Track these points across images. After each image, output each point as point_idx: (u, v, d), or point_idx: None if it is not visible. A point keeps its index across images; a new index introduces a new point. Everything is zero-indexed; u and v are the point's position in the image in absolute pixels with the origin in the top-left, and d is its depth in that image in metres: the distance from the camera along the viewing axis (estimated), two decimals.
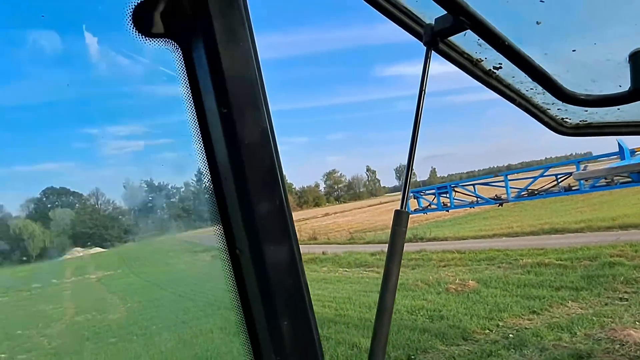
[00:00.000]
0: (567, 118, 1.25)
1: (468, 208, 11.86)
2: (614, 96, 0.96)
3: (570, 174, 8.64)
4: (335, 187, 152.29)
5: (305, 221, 60.78)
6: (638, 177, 3.76)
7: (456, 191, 10.34)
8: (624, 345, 6.52)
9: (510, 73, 1.09)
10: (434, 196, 10.84)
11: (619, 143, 4.00)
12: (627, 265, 10.75)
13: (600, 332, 7.17)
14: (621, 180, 8.08)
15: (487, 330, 8.32)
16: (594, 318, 7.82)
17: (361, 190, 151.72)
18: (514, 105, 1.32)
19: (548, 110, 1.22)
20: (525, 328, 8.02)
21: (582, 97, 0.99)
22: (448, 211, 10.53)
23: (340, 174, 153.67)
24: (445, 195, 10.35)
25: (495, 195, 9.73)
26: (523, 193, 8.91)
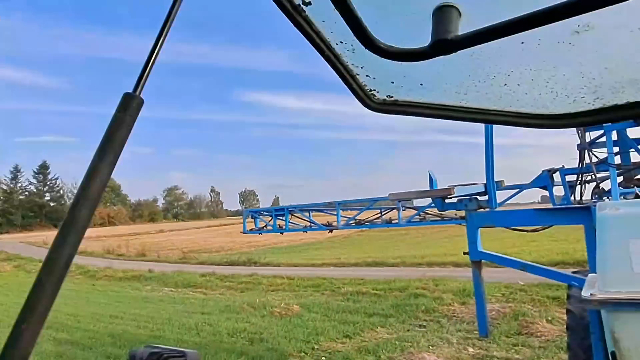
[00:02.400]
0: (375, 90, 1.15)
1: (305, 233, 12.13)
2: (416, 51, 0.85)
3: (393, 208, 9.44)
4: (175, 204, 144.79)
5: (136, 236, 56.09)
6: (441, 205, 4.24)
7: (293, 215, 10.48)
8: None
9: (321, 13, 0.93)
10: (270, 217, 10.80)
11: (429, 174, 4.49)
12: (429, 296, 12.14)
13: (400, 355, 7.79)
14: (431, 218, 9.13)
15: (303, 353, 8.40)
16: (397, 342, 8.50)
17: (202, 210, 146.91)
18: (334, 72, 1.19)
19: (357, 76, 1.09)
20: (338, 351, 8.31)
21: (384, 47, 0.86)
22: (282, 233, 10.55)
23: (183, 191, 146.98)
24: (281, 217, 10.39)
25: (327, 222, 10.10)
26: (351, 222, 9.45)
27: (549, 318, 9.22)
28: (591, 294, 1.96)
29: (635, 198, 3.57)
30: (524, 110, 1.27)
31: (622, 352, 1.94)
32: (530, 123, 1.28)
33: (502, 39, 1.03)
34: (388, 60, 1.03)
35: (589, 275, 2.44)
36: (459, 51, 1.12)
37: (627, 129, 5.30)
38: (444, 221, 9.13)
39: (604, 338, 2.53)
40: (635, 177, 5.11)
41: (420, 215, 8.94)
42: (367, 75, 1.18)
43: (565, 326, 4.40)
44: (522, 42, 0.99)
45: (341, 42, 1.08)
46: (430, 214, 8.79)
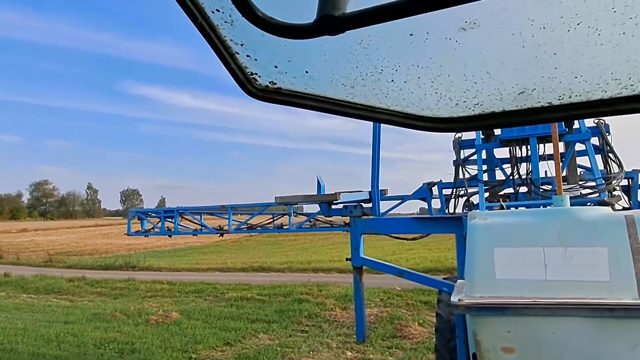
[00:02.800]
0: (256, 75, 1.01)
1: (191, 236, 11.53)
2: (299, 26, 0.73)
3: (285, 214, 9.40)
4: (44, 201, 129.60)
5: None
6: (327, 211, 4.28)
7: (183, 217, 9.92)
8: None
9: None
10: (159, 219, 10.09)
11: (317, 178, 4.50)
12: (312, 302, 12.30)
13: None
14: (320, 225, 9.26)
15: None
16: (278, 348, 8.42)
17: (76, 208, 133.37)
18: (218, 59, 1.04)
19: (236, 55, 0.95)
20: None
21: (265, 18, 0.73)
22: (171, 236, 9.93)
23: (54, 187, 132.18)
24: (170, 220, 9.77)
25: (219, 226, 9.74)
26: (243, 226, 9.22)
27: (421, 321, 9.87)
28: (459, 299, 2.03)
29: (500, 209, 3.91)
30: (409, 110, 1.24)
31: (482, 354, 2.04)
32: (414, 125, 1.26)
33: (392, 29, 0.96)
34: (271, 39, 0.91)
35: (458, 281, 2.57)
36: (348, 39, 1.04)
37: (495, 150, 5.89)
38: (333, 228, 9.33)
39: (467, 340, 2.68)
40: (499, 193, 5.69)
41: (310, 222, 9.03)
42: (247, 56, 1.05)
43: (434, 329, 4.69)
44: (411, 34, 0.95)
45: (217, 11, 0.94)
46: (320, 221, 8.92)
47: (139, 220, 10.27)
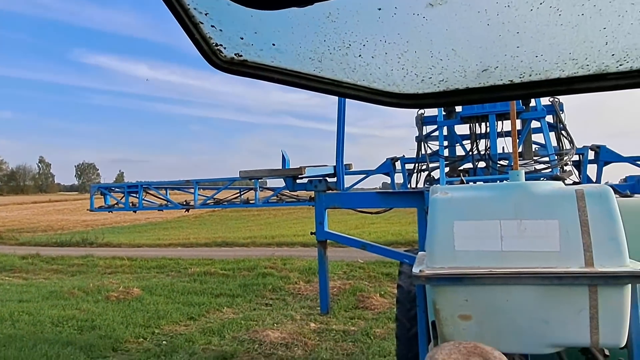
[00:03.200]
0: (221, 46, 0.98)
1: (152, 212, 11.25)
2: None
3: (251, 189, 9.34)
4: None
5: None
6: (292, 185, 4.28)
7: (147, 192, 9.66)
8: (262, 344, 7.24)
9: None
10: (122, 194, 9.80)
11: (282, 153, 4.48)
12: (276, 275, 12.41)
13: (245, 334, 7.79)
14: (287, 200, 9.26)
15: (141, 339, 7.85)
16: (242, 322, 8.49)
17: (27, 183, 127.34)
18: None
19: (201, 25, 0.92)
20: (180, 334, 7.96)
21: None
22: (135, 212, 9.68)
23: (2, 160, 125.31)
24: (135, 195, 9.50)
25: (185, 201, 9.57)
26: (209, 201, 9.09)
27: (382, 292, 10.18)
28: (420, 271, 2.10)
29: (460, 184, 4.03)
30: (376, 86, 1.25)
31: (440, 322, 2.13)
32: (381, 100, 1.27)
33: (361, 3, 0.95)
34: (237, 9, 0.88)
35: (419, 253, 2.65)
36: (317, 12, 1.02)
37: (455, 126, 6.03)
38: (299, 202, 9.36)
39: (427, 309, 2.79)
40: (459, 168, 5.86)
41: (277, 197, 9.01)
42: (212, 26, 1.02)
43: (395, 299, 4.85)
44: (380, 9, 0.94)
45: None
46: (286, 195, 8.92)
47: (101, 195, 9.95)
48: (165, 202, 9.57)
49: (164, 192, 10.20)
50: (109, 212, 9.92)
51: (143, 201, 9.44)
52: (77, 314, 9.42)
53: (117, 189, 9.95)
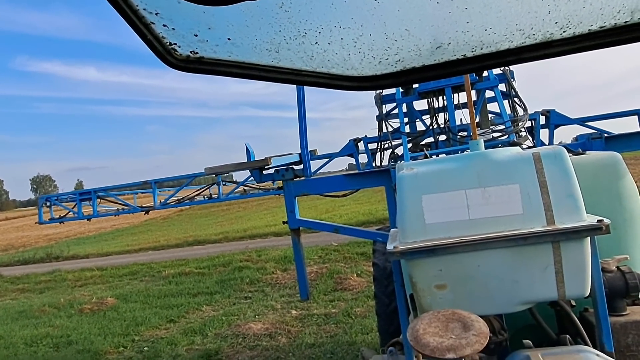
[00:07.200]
0: (175, 45, 0.97)
1: (117, 218, 10.94)
2: None
3: (213, 184, 9.21)
4: None
5: None
6: (259, 177, 4.26)
7: (102, 199, 9.34)
8: (245, 337, 7.25)
9: None
10: (74, 203, 9.45)
11: (246, 146, 4.45)
12: (253, 268, 12.39)
13: (228, 329, 7.78)
14: (251, 191, 9.20)
15: (122, 348, 7.71)
16: (223, 318, 8.46)
17: None
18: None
19: (152, 25, 0.90)
20: (162, 338, 7.86)
21: None
22: (90, 220, 9.37)
23: None
24: (88, 202, 9.17)
25: (141, 205, 9.33)
26: (170, 200, 8.90)
27: (359, 272, 10.34)
28: (394, 247, 2.15)
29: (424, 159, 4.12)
30: (335, 71, 1.27)
31: (418, 294, 2.20)
32: (341, 85, 1.29)
33: None
34: (188, 7, 0.87)
35: (391, 230, 2.71)
36: (269, 3, 1.02)
37: (414, 102, 6.13)
38: (265, 192, 9.31)
39: (404, 284, 2.87)
40: (421, 143, 5.98)
41: (241, 189, 8.95)
42: (164, 25, 1.00)
43: (372, 278, 4.94)
44: None
45: None
46: (250, 187, 8.86)
47: (52, 206, 9.57)
48: (123, 206, 9.31)
49: (130, 196, 9.94)
50: (60, 222, 9.54)
51: (98, 208, 9.15)
52: (51, 331, 9.14)
53: (67, 198, 9.58)
